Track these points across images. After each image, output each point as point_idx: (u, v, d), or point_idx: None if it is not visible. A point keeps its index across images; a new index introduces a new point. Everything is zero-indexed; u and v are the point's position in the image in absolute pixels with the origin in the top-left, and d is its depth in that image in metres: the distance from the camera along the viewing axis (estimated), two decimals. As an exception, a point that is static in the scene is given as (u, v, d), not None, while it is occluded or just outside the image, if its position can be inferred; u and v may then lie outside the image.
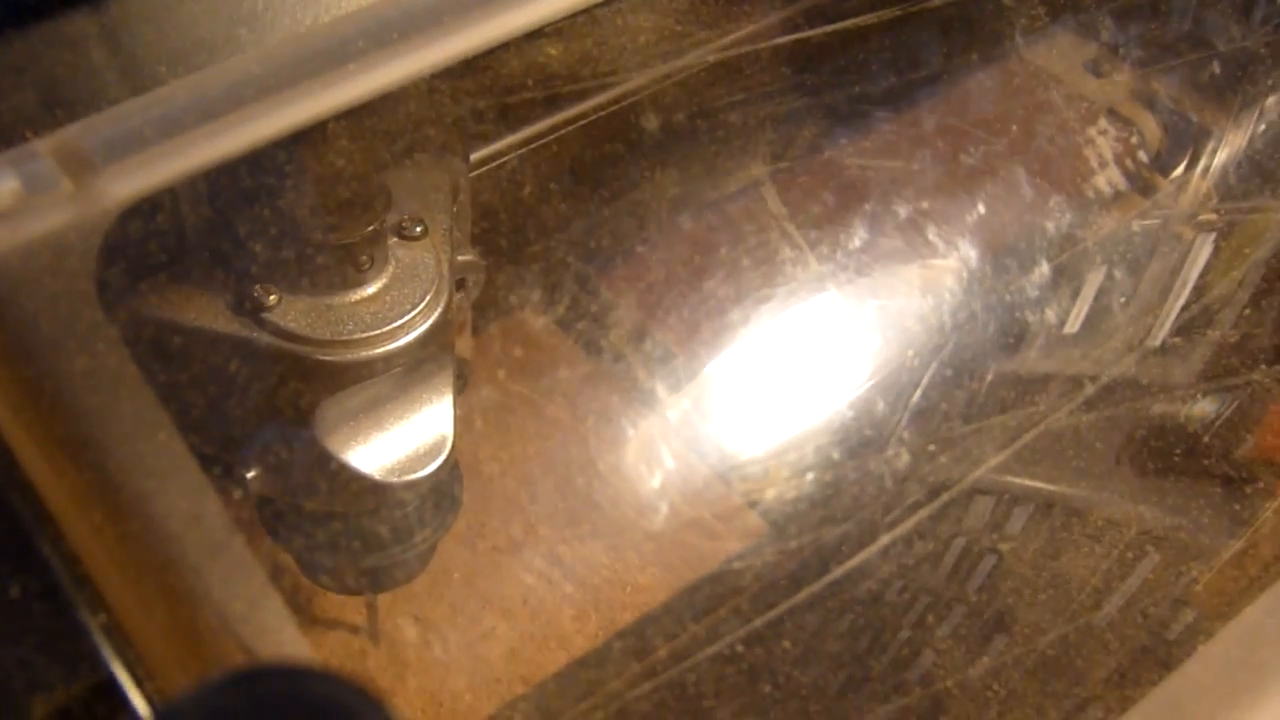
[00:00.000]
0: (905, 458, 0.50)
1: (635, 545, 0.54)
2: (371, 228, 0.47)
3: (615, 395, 0.55)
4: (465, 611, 0.58)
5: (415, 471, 0.49)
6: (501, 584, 0.59)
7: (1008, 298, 0.62)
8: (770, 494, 0.49)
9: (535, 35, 0.43)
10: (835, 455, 0.49)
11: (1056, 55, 0.68)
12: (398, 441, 0.49)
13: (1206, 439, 0.72)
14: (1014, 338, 0.64)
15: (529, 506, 0.58)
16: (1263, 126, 0.73)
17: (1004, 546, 0.64)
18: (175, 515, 0.34)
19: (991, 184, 0.58)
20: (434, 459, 0.49)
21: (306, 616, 0.60)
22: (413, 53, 0.42)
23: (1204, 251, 0.73)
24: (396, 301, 0.48)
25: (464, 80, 0.44)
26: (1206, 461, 0.71)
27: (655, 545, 0.53)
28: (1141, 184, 0.63)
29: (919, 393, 0.51)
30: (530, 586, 0.60)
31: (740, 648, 0.46)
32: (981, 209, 0.57)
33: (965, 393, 0.55)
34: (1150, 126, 0.71)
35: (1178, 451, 0.70)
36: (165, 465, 0.35)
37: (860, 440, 0.50)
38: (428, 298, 0.48)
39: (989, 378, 0.58)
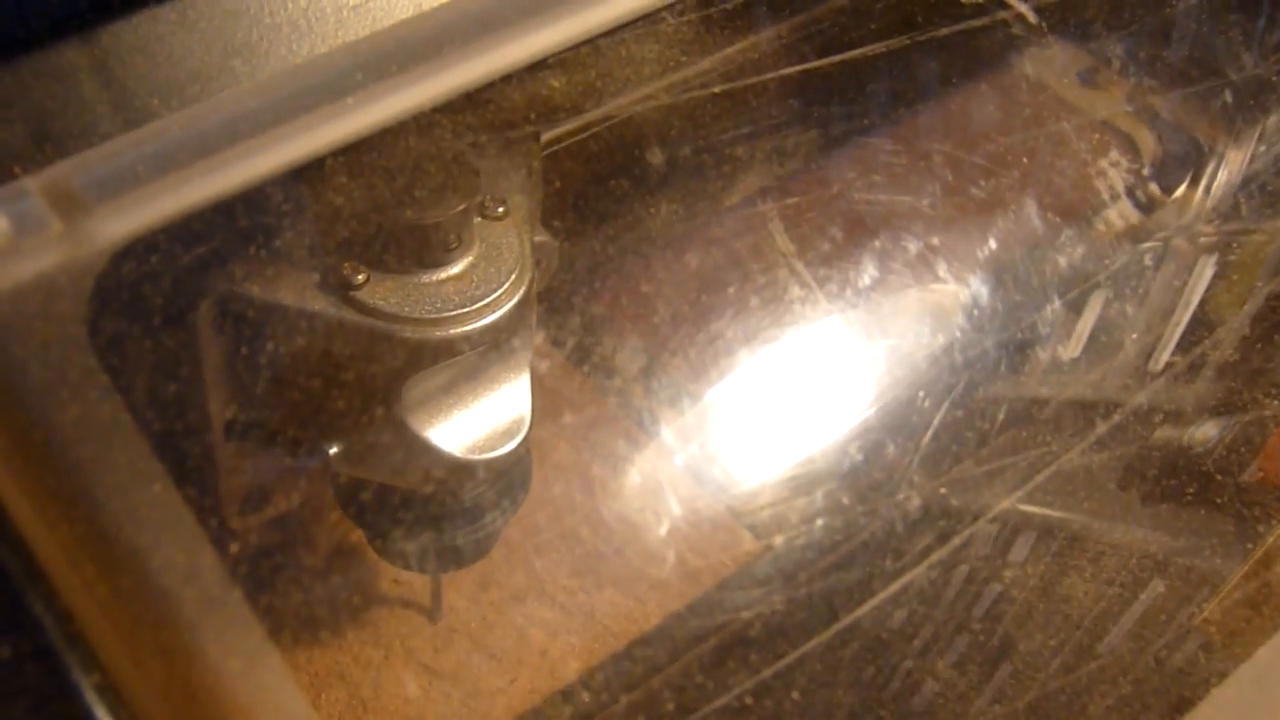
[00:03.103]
0: (916, 500, 0.50)
1: (645, 592, 0.54)
2: (462, 207, 0.48)
3: (620, 437, 0.55)
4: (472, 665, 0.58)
5: (495, 449, 0.50)
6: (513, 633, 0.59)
7: (1010, 328, 0.62)
8: (780, 539, 0.49)
9: (537, 67, 0.42)
10: (846, 499, 0.48)
11: (1048, 66, 0.68)
12: (478, 419, 0.50)
13: (1210, 465, 0.72)
14: (1014, 367, 0.63)
15: (539, 554, 0.58)
16: (1263, 147, 0.73)
17: (1008, 575, 0.63)
18: (171, 570, 0.34)
19: (992, 210, 0.58)
20: (513, 437, 0.51)
21: (369, 595, 0.61)
22: (412, 86, 0.42)
23: (1206, 273, 0.73)
24: (482, 280, 0.49)
25: (464, 114, 0.43)
26: (1213, 489, 0.71)
27: (665, 593, 0.52)
28: (1141, 201, 0.63)
29: (929, 434, 0.50)
30: (543, 635, 0.60)
31: (749, 699, 0.46)
32: (984, 236, 0.56)
33: (974, 432, 0.55)
34: (1146, 139, 0.71)
35: (1184, 479, 0.70)
36: (160, 518, 0.34)
37: (870, 483, 0.50)
38: (512, 277, 0.49)
39: (997, 413, 0.58)
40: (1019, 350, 0.61)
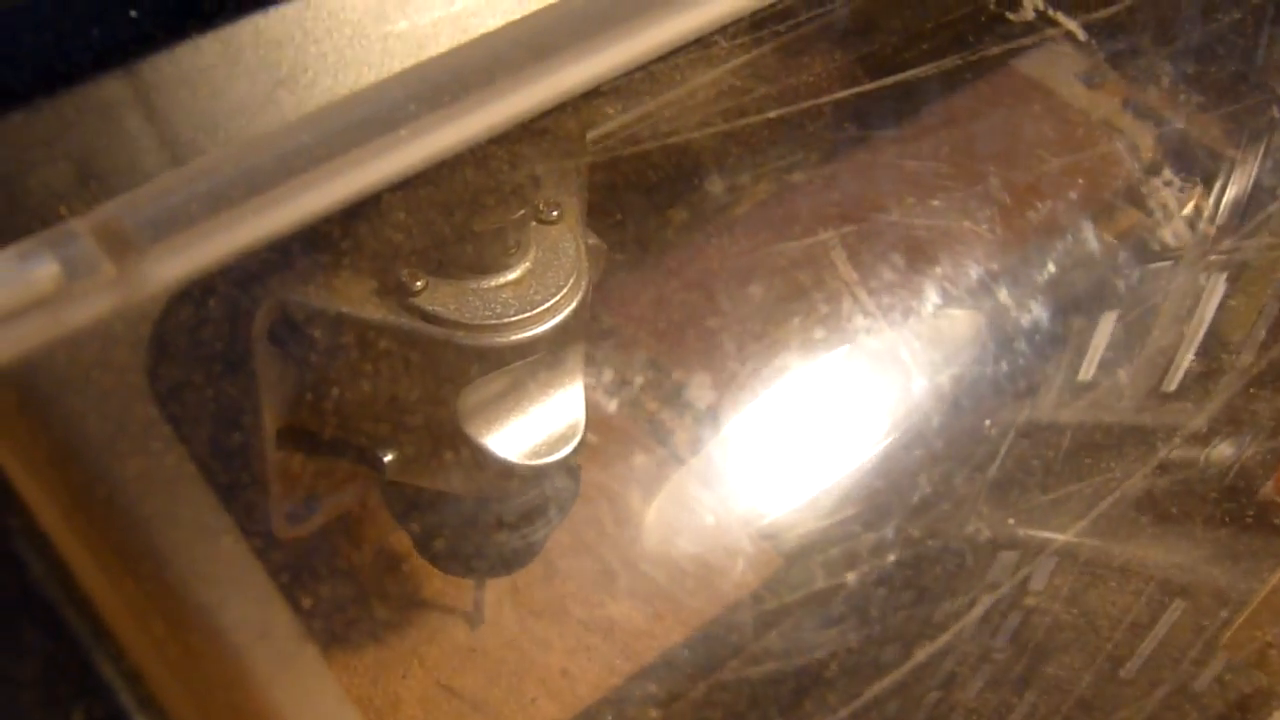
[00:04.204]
0: (985, 533, 0.49)
1: (677, 614, 0.53)
2: (522, 211, 0.48)
3: (681, 473, 0.54)
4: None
5: (552, 455, 0.50)
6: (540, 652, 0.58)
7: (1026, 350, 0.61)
8: (852, 576, 0.48)
9: (592, 94, 0.41)
10: (916, 532, 0.48)
11: (1049, 67, 0.67)
12: (534, 425, 0.50)
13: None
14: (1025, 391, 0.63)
15: (561, 571, 0.57)
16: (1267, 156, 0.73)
17: (1036, 602, 0.63)
18: (243, 627, 0.33)
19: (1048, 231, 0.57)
20: (569, 441, 0.51)
21: (412, 599, 0.61)
22: (466, 116, 0.41)
23: (1218, 289, 0.72)
24: (541, 285, 0.49)
25: (519, 144, 0.42)
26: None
27: (740, 636, 0.52)
28: (1193, 220, 0.63)
29: (996, 464, 0.50)
30: (563, 654, 0.59)
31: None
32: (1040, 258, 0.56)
33: (1039, 461, 0.55)
34: (1145, 139, 0.71)
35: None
36: (231, 573, 0.33)
37: (939, 514, 0.50)
38: (570, 281, 0.49)
39: (1059, 441, 0.57)
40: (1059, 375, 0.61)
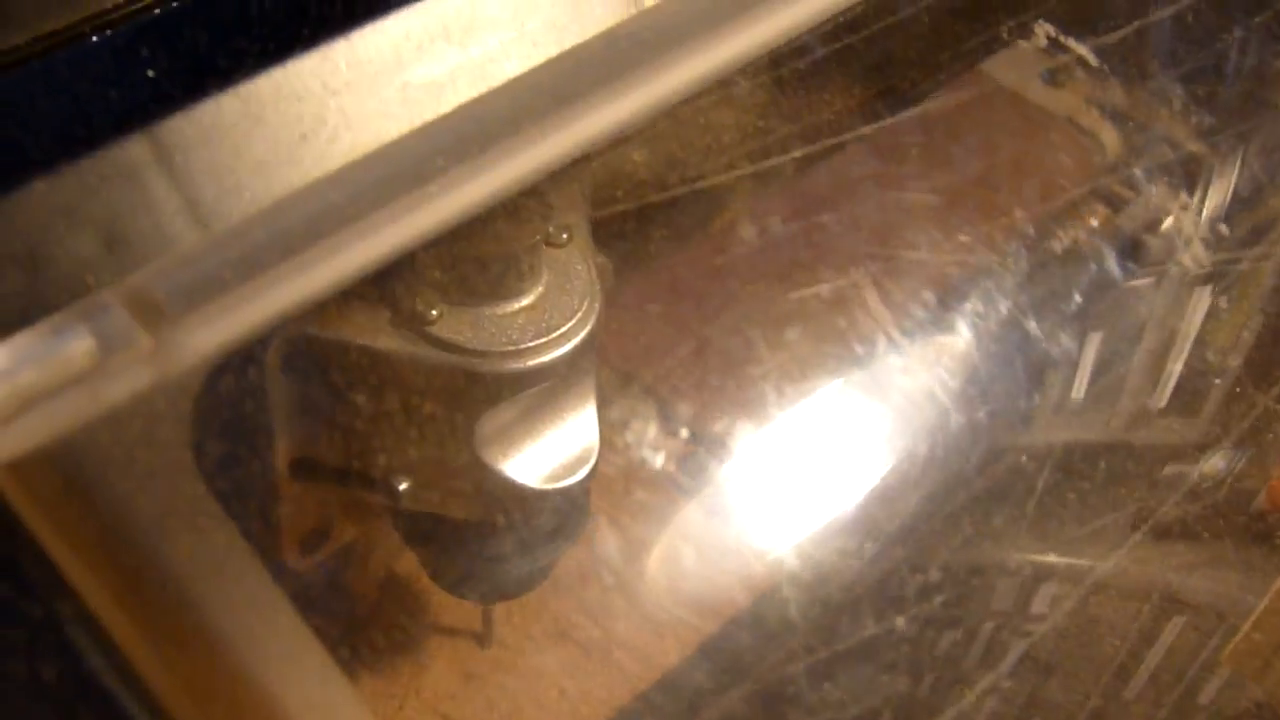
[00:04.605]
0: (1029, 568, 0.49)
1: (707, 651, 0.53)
2: (538, 237, 0.48)
3: (687, 501, 0.54)
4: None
5: (568, 478, 0.50)
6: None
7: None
8: (901, 621, 0.48)
9: (618, 140, 0.41)
10: (912, 560, 0.48)
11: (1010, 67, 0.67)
12: (550, 449, 0.50)
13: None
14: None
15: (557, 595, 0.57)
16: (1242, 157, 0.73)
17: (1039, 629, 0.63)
18: (308, 709, 0.32)
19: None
20: (585, 464, 0.50)
21: (420, 621, 0.61)
22: (495, 168, 0.40)
23: (1202, 302, 0.72)
24: (554, 309, 0.49)
25: (548, 195, 0.42)
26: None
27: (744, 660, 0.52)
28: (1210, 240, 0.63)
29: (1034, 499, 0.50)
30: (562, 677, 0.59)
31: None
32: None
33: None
34: (1110, 137, 0.71)
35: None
36: (292, 652, 0.32)
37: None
38: (584, 304, 0.49)
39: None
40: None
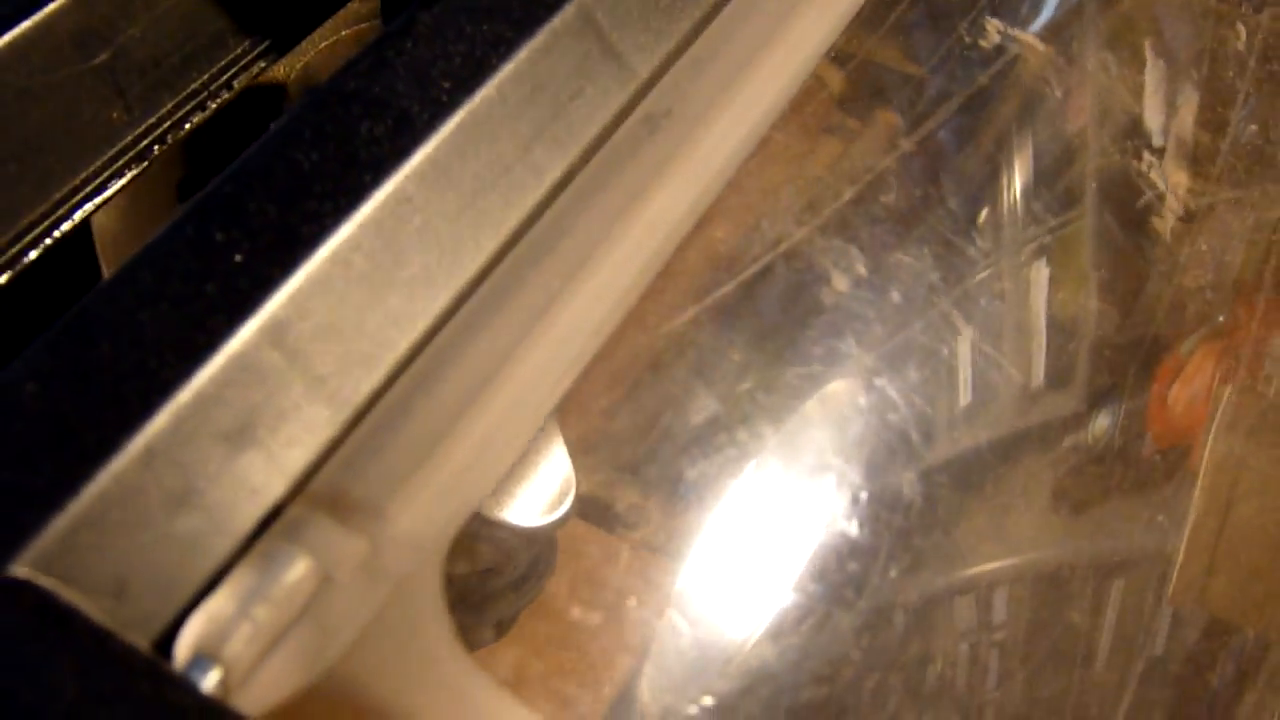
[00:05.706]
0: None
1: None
2: None
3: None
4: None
5: (554, 513, 0.51)
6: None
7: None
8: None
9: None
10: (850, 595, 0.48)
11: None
12: (533, 487, 0.51)
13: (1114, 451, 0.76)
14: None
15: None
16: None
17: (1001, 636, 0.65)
18: None
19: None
20: (567, 496, 0.51)
21: None
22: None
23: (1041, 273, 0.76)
24: None
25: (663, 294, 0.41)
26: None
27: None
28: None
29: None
30: None
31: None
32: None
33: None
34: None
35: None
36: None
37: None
38: None
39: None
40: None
